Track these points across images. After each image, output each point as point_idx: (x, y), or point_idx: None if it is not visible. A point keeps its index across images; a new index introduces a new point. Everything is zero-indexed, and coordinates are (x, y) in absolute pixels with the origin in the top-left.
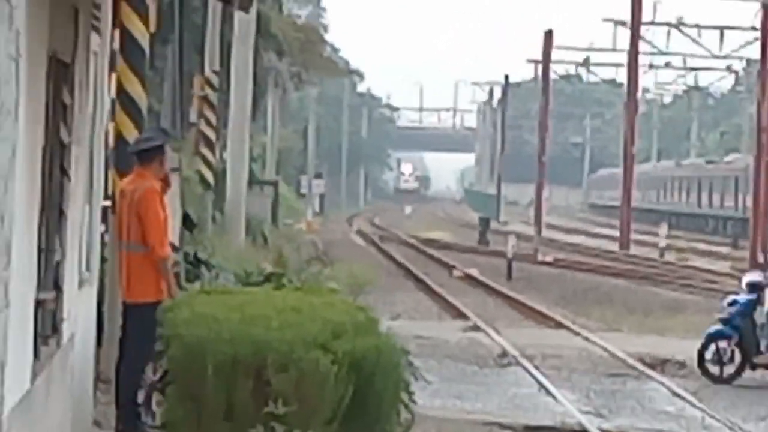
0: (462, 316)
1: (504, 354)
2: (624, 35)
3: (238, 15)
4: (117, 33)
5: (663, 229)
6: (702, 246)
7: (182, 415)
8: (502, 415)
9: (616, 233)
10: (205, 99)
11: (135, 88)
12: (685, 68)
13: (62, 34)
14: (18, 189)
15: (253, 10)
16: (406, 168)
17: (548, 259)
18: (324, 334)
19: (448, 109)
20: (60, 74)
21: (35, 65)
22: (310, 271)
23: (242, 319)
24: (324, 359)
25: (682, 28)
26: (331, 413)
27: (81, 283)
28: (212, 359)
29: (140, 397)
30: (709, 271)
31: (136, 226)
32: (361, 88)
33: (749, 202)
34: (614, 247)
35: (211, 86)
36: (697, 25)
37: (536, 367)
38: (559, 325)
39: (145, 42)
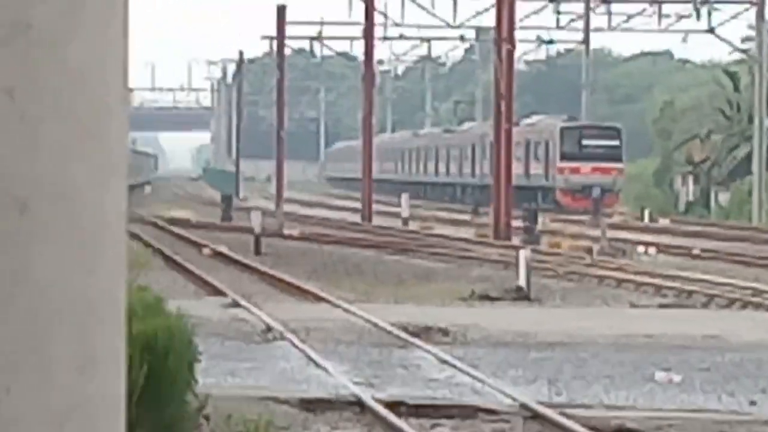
0: (219, 292)
1: (268, 329)
2: (358, 7)
3: None
4: None
5: (405, 200)
6: (444, 214)
7: None
8: (277, 390)
9: (357, 205)
10: None
11: None
12: (419, 39)
13: None
14: None
15: None
16: None
17: (294, 233)
18: None
19: (182, 89)
20: None
21: None
22: None
23: None
24: None
25: None
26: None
27: None
28: None
29: None
30: (454, 238)
31: None
32: None
33: (486, 169)
34: (357, 219)
35: None
36: None
37: (302, 341)
38: (317, 298)
39: None
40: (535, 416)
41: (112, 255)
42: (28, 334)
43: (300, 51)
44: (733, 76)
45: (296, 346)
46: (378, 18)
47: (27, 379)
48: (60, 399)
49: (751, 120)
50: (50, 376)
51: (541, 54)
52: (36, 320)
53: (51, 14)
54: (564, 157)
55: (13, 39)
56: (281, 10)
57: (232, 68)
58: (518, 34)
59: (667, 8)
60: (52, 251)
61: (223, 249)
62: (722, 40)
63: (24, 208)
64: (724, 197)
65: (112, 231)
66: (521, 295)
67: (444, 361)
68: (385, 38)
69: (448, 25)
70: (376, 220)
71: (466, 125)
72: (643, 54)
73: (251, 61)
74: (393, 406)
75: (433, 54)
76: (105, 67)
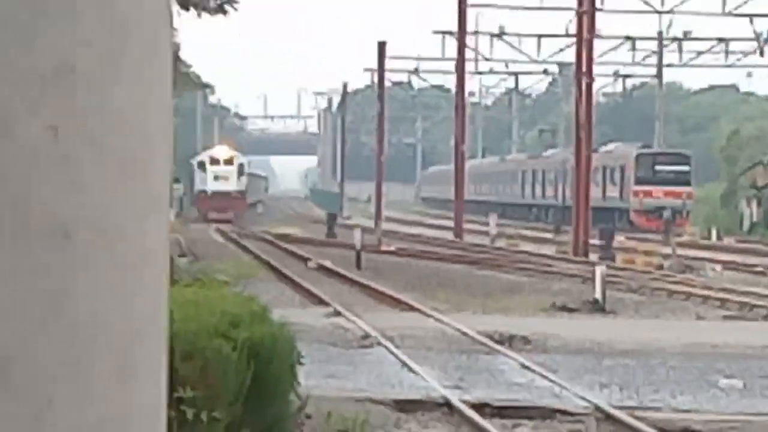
0: (322, 302)
1: (366, 336)
2: (451, 44)
3: None
4: None
5: (493, 219)
6: (528, 232)
7: None
8: (372, 392)
9: (449, 223)
10: None
11: None
12: (506, 72)
13: None
14: None
15: None
16: (220, 151)
17: (392, 248)
18: (223, 324)
19: (292, 116)
20: None
21: None
22: (198, 266)
23: None
24: (226, 347)
25: (504, 37)
26: (233, 396)
27: None
28: None
29: None
30: (538, 254)
31: None
32: (212, 99)
33: (567, 192)
34: (449, 236)
35: None
36: (517, 34)
37: (397, 347)
38: (412, 308)
39: None
40: (608, 417)
41: (155, 278)
42: (70, 350)
43: (399, 83)
44: None
45: (391, 352)
46: (469, 53)
47: (68, 391)
48: (98, 411)
49: None
50: (90, 389)
51: (618, 87)
52: (77, 338)
53: (95, 57)
54: (638, 181)
55: (58, 81)
56: (382, 46)
57: (337, 98)
58: (597, 69)
59: (733, 45)
60: (93, 276)
61: (327, 263)
62: None
63: (66, 237)
64: None
65: (154, 256)
66: (597, 308)
67: (525, 367)
68: (476, 72)
69: (533, 61)
70: (467, 238)
71: (550, 152)
72: (711, 87)
73: (354, 92)
74: (478, 407)
75: (520, 86)
76: (148, 108)
